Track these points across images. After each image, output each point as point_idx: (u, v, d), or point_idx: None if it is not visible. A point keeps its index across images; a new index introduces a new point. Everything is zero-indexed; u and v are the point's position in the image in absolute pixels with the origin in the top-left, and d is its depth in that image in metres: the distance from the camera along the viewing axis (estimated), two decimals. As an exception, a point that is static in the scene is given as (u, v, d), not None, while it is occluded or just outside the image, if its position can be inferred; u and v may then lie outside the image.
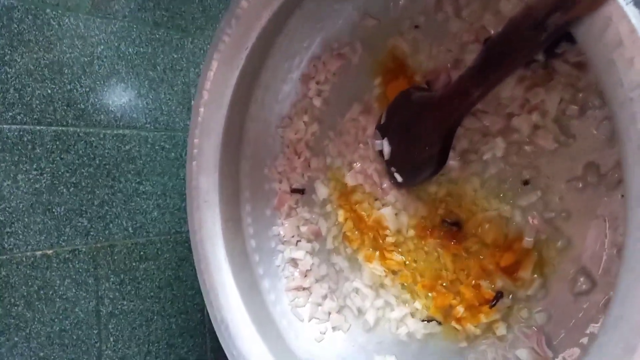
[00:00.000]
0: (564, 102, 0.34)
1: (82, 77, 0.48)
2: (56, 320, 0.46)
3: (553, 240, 0.35)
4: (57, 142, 0.46)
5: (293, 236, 0.52)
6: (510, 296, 0.37)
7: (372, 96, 0.46)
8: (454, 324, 0.40)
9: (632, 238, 0.22)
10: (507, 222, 0.37)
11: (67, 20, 0.47)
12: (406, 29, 0.43)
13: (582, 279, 0.34)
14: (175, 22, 0.55)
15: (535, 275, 0.36)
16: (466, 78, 0.30)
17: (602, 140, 0.33)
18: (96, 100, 0.49)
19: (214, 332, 0.45)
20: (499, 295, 0.37)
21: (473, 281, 0.39)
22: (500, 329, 0.37)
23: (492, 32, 0.37)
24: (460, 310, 0.39)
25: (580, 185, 0.34)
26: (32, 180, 0.44)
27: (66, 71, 0.47)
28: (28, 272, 0.44)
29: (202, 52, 0.58)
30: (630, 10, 0.22)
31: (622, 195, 0.32)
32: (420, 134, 0.37)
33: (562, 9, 0.22)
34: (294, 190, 0.52)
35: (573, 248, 0.34)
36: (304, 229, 0.52)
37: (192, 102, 0.57)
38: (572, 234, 0.34)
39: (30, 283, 0.44)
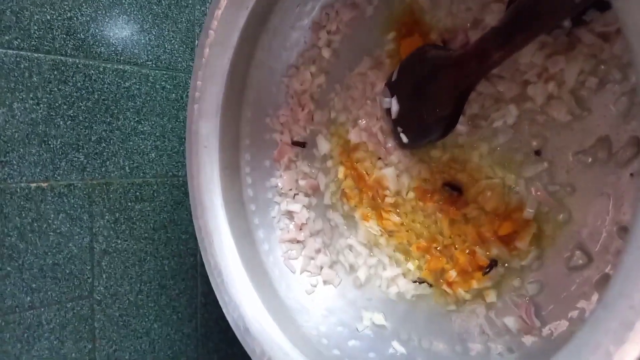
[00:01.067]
0: (584, 74, 0.32)
1: (84, 5, 0.45)
2: (49, 253, 0.46)
3: (554, 214, 0.35)
4: (55, 72, 0.44)
5: (291, 189, 0.52)
6: (505, 265, 0.37)
7: (384, 51, 0.44)
8: (445, 287, 0.40)
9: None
10: (509, 191, 0.37)
11: (69, -58, 0.44)
12: (427, -18, 0.41)
13: (578, 254, 0.34)
14: (183, -45, 0.52)
15: (532, 247, 0.36)
16: (488, 38, 0.29)
17: (617, 115, 0.32)
18: (97, 31, 0.46)
19: (206, 276, 0.46)
20: (493, 263, 0.37)
21: (468, 247, 0.39)
22: (491, 296, 0.38)
23: (518, -8, 0.35)
24: (452, 274, 0.40)
25: (589, 160, 0.33)
26: (28, 110, 0.43)
27: (67, -3, 0.44)
28: (22, 203, 0.43)
29: (209, -11, 0.56)
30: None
31: (632, 174, 0.31)
32: (432, 94, 0.35)
33: (603, -29, 0.21)
34: (295, 143, 0.51)
35: (573, 223, 0.34)
36: (302, 182, 0.51)
37: (196, 42, 0.55)
38: (575, 208, 0.34)
39: (24, 215, 0.44)
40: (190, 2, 0.53)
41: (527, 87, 0.35)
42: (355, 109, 0.46)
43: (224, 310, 0.44)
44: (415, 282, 0.43)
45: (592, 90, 0.32)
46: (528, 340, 0.35)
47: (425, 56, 0.36)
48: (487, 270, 0.37)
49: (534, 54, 0.34)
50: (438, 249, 0.41)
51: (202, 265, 0.46)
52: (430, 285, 0.42)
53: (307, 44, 0.49)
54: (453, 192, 0.40)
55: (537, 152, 0.35)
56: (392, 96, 0.41)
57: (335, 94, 0.48)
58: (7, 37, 0.41)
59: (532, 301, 0.36)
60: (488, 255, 0.38)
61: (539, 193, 0.35)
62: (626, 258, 0.23)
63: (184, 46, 0.53)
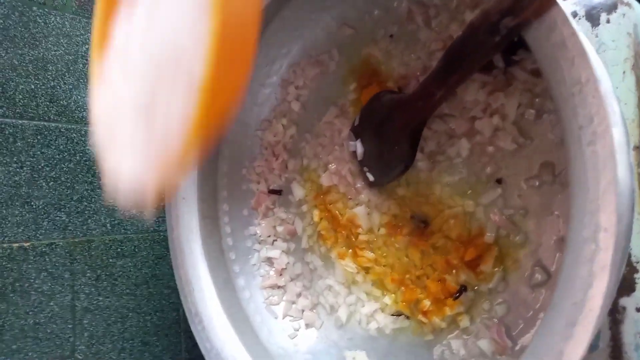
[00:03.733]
0: (522, 106, 0.36)
1: (66, 74, 0.49)
2: (31, 313, 0.46)
3: (512, 236, 0.37)
4: (39, 137, 0.47)
5: (269, 236, 0.54)
6: (474, 289, 0.39)
7: (347, 101, 0.48)
8: (420, 317, 0.42)
9: (573, 230, 0.25)
10: (470, 218, 0.39)
11: (53, 19, 0.48)
12: (380, 38, 0.45)
13: (538, 272, 0.36)
14: (159, 27, 0.57)
15: (496, 269, 0.38)
16: (430, 80, 0.32)
17: (556, 142, 0.35)
18: (79, 97, 0.50)
19: (189, 331, 0.46)
20: (462, 288, 0.39)
21: (439, 276, 0.41)
22: (464, 321, 0.39)
23: (458, 40, 0.39)
24: (426, 303, 0.41)
25: (537, 183, 0.36)
26: (11, 173, 0.45)
27: (50, 68, 0.48)
28: (4, 263, 0.44)
29: (185, 56, 0.60)
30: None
31: (574, 192, 0.34)
32: (390, 133, 0.39)
33: (512, 14, 0.25)
34: (271, 191, 0.54)
35: (530, 243, 0.36)
36: (280, 228, 0.53)
37: (174, 104, 0.58)
38: (529, 229, 0.36)
39: (5, 275, 0.44)
40: (167, 67, 0.57)
41: (475, 122, 0.38)
42: (325, 155, 0.49)
43: (207, 358, 0.44)
44: (393, 315, 0.44)
45: (532, 120, 0.36)
46: (503, 360, 0.36)
47: (381, 101, 0.40)
48: (457, 295, 0.39)
49: (477, 92, 0.37)
50: (411, 280, 0.43)
51: (186, 320, 0.46)
52: (408, 317, 0.43)
53: (277, 99, 0.53)
54: (420, 224, 0.42)
55: (499, 180, 0.38)
56: (356, 139, 0.44)
57: (306, 143, 0.51)
58: (-7, 106, 0.44)
59: (502, 322, 0.37)
60: (457, 281, 0.39)
61: (496, 218, 0.38)
62: (562, 273, 0.25)
63: (162, 108, 0.56)
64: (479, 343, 0.38)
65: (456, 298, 0.39)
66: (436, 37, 0.41)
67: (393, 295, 0.44)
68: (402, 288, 0.43)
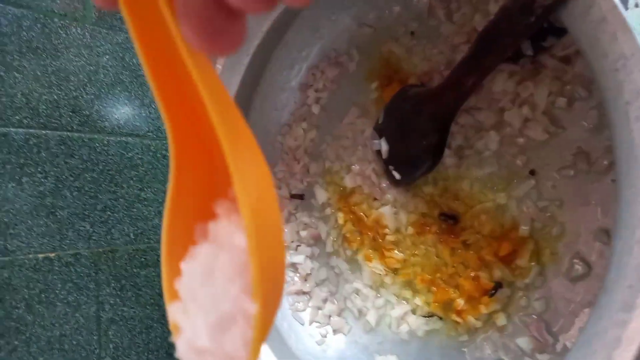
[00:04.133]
0: (553, 95, 0.35)
1: (88, 84, 0.49)
2: (56, 324, 0.45)
3: (548, 228, 0.36)
4: (62, 147, 0.47)
5: (293, 241, 0.53)
6: (510, 285, 0.37)
7: (369, 100, 0.47)
8: (454, 317, 0.40)
9: (623, 211, 0.24)
10: (502, 212, 0.38)
11: (74, 30, 0.48)
12: (401, 35, 0.45)
13: (578, 264, 0.35)
14: (177, 37, 0.57)
15: (533, 263, 0.36)
16: (460, 68, 0.32)
17: (590, 129, 0.34)
18: (101, 107, 0.50)
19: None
20: (497, 285, 0.38)
21: (472, 273, 0.40)
22: (501, 320, 0.38)
23: (483, 32, 0.39)
24: (460, 302, 0.40)
25: (572, 173, 0.35)
26: (36, 183, 0.45)
27: (72, 78, 0.48)
28: (30, 274, 0.44)
29: (202, 65, 0.60)
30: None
31: (613, 180, 0.33)
32: (417, 127, 0.38)
33: (547, -8, 0.24)
34: (293, 196, 0.53)
35: (567, 234, 0.35)
36: (303, 233, 0.52)
37: (193, 112, 0.58)
38: (566, 220, 0.35)
39: (32, 286, 0.44)
40: (185, 76, 0.57)
41: (504, 113, 0.37)
42: (348, 156, 0.49)
43: (236, 366, 0.43)
44: (425, 317, 0.43)
45: (563, 109, 0.35)
46: (544, 358, 0.35)
47: (407, 95, 0.39)
48: (493, 292, 0.37)
49: (505, 82, 0.37)
50: (443, 279, 0.42)
51: (210, 329, 0.45)
52: (440, 318, 0.42)
53: (297, 103, 0.53)
54: (449, 220, 0.41)
55: (532, 172, 0.37)
56: (380, 138, 0.44)
57: (328, 145, 0.51)
58: (17, 117, 0.44)
59: (541, 318, 0.36)
60: (492, 278, 0.38)
61: (530, 210, 0.37)
62: (614, 257, 0.24)
63: (182, 116, 0.56)
64: (517, 341, 0.37)
65: (492, 295, 0.37)
66: (459, 31, 0.40)
67: (424, 296, 0.43)
68: (434, 288, 0.42)
